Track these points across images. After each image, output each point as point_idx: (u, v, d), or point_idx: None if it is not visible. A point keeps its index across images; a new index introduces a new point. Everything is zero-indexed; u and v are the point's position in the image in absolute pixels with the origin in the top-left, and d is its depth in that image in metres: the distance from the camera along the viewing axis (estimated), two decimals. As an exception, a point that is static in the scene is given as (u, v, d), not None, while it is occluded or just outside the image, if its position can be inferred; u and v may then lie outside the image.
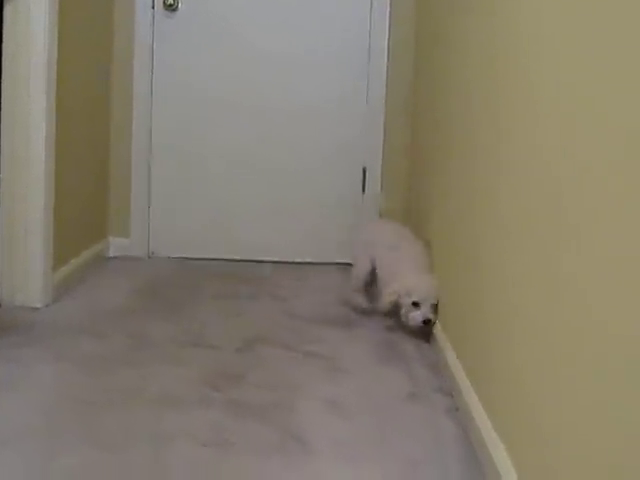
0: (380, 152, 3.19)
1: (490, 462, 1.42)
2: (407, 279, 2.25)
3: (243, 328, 2.32)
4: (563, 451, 1.08)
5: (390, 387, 1.91)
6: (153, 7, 3.10)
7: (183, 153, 3.22)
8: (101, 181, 3.09)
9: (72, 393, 1.77)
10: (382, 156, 3.20)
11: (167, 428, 1.60)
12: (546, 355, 1.18)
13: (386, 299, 2.29)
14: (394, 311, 2.31)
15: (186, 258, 3.19)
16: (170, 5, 3.10)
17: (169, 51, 3.15)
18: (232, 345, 2.15)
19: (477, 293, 1.72)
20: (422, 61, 2.93)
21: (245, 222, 3.24)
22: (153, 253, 3.21)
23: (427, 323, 2.21)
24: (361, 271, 2.55)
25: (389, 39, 3.14)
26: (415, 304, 2.21)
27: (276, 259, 3.21)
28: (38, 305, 2.39)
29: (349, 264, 3.08)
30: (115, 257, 3.15)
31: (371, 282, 2.54)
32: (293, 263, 3.20)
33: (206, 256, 3.20)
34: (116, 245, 3.18)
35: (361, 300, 2.53)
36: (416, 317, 2.21)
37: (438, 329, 2.17)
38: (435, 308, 2.21)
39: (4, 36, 2.30)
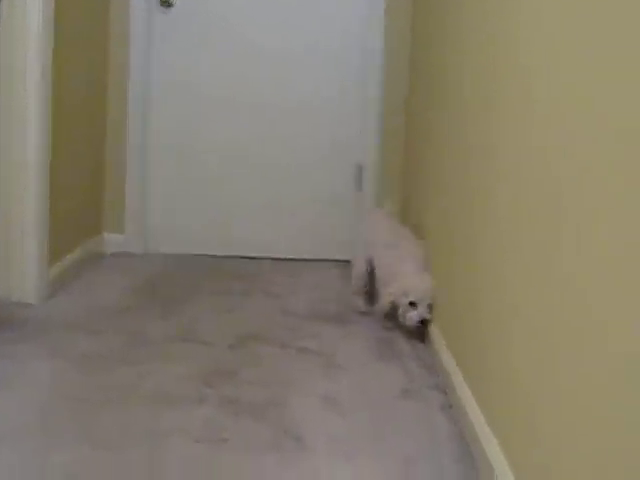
0: (376, 150, 3.20)
1: (483, 457, 1.43)
2: (404, 279, 2.25)
3: (238, 325, 2.32)
4: (557, 447, 1.08)
5: (385, 384, 1.92)
6: (148, 3, 3.10)
7: (178, 149, 3.21)
8: (96, 177, 3.09)
9: (67, 390, 1.77)
10: (378, 154, 3.20)
11: (162, 425, 1.61)
12: (541, 353, 1.19)
13: (385, 301, 2.29)
14: (392, 312, 2.31)
15: (181, 254, 3.19)
16: (165, 1, 3.09)
17: (164, 47, 3.14)
18: (227, 342, 2.15)
19: (473, 291, 1.72)
20: (418, 59, 2.93)
21: (240, 218, 3.24)
22: (148, 249, 3.21)
23: (424, 323, 2.21)
24: (358, 273, 2.59)
25: (385, 37, 3.13)
26: (412, 304, 2.21)
27: (272, 256, 3.21)
28: (33, 301, 2.39)
29: (345, 261, 3.09)
30: (110, 253, 3.14)
31: (370, 282, 2.54)
32: (289, 260, 3.20)
33: (201, 252, 3.20)
34: (111, 241, 3.17)
35: (360, 303, 2.55)
36: (413, 317, 2.21)
37: (433, 327, 2.18)
38: (431, 307, 2.21)
39: (0, 31, 2.30)
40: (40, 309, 2.36)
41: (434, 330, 2.16)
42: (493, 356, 1.49)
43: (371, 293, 2.53)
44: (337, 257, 3.18)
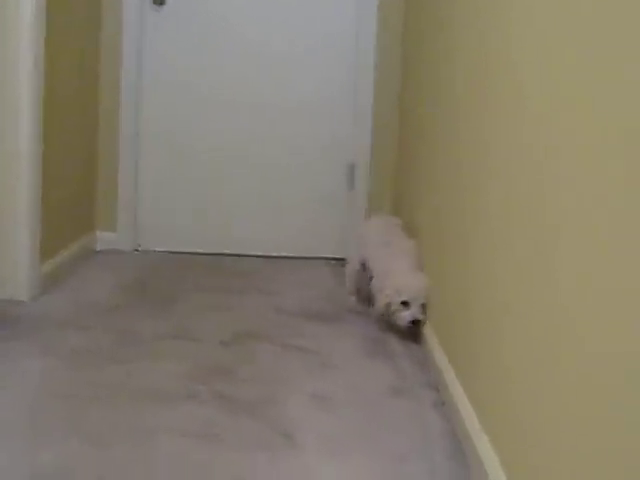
0: (368, 149, 3.20)
1: (475, 454, 1.43)
2: (398, 277, 2.24)
3: (231, 323, 2.32)
4: (547, 444, 1.09)
5: (377, 382, 1.92)
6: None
7: (171, 147, 3.20)
8: (89, 175, 3.08)
9: (58, 387, 1.77)
10: (370, 153, 3.20)
11: (154, 423, 1.60)
12: (532, 351, 1.19)
13: (382, 302, 2.26)
14: (388, 313, 2.28)
15: (173, 252, 3.19)
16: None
17: (157, 44, 3.13)
18: (219, 340, 2.15)
19: (465, 289, 1.73)
20: (411, 56, 2.93)
21: (233, 216, 3.23)
22: (140, 246, 3.20)
23: (416, 323, 2.18)
24: (351, 272, 2.61)
25: (378, 36, 3.14)
26: (404, 303, 2.19)
27: (265, 253, 3.21)
28: (25, 298, 2.38)
29: (338, 259, 3.10)
30: (102, 251, 3.13)
31: (364, 282, 2.53)
32: (282, 257, 3.20)
33: (194, 250, 3.20)
34: (103, 239, 3.16)
35: (355, 304, 2.55)
36: (405, 317, 2.18)
37: (426, 325, 2.18)
38: (424, 307, 2.19)
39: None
40: (32, 306, 2.35)
41: (427, 328, 2.16)
42: (485, 353, 1.50)
43: (366, 293, 2.53)
44: (331, 255, 3.19)
